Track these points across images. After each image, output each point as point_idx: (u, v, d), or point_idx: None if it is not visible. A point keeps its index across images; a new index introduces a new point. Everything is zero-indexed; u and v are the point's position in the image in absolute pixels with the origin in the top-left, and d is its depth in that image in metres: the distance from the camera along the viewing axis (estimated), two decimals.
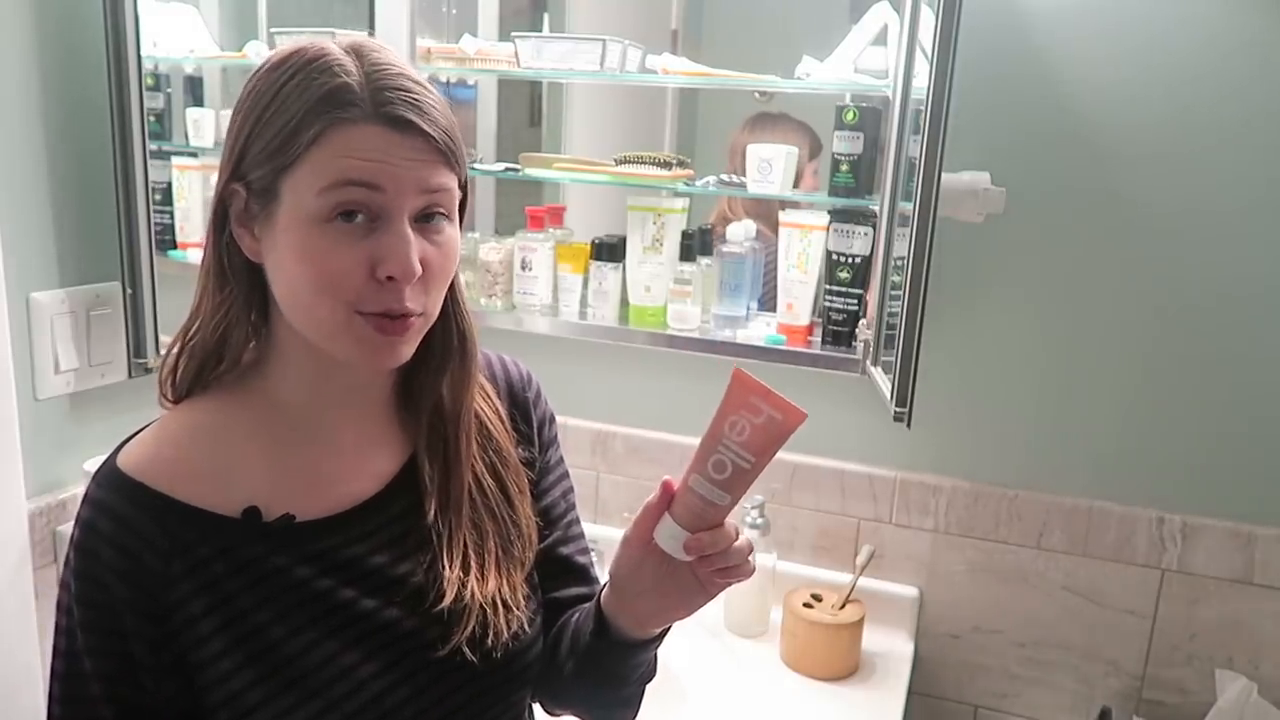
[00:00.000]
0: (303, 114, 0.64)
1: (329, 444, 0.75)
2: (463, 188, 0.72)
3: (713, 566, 0.71)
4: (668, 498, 0.71)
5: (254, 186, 0.67)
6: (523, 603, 0.78)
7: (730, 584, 0.72)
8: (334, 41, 0.67)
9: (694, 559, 0.70)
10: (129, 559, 0.67)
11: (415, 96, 0.66)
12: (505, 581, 0.77)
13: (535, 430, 0.87)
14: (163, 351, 0.77)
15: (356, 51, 0.67)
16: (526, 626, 0.77)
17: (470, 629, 0.73)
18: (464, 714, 0.75)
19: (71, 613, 0.68)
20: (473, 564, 0.75)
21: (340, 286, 0.65)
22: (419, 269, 0.66)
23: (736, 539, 0.71)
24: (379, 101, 0.65)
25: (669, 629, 0.80)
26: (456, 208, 0.71)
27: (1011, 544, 1.41)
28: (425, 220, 0.68)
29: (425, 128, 0.65)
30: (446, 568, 0.74)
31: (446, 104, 0.69)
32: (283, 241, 0.66)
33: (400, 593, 0.73)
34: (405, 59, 0.69)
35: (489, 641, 0.74)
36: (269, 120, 0.65)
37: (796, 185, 1.42)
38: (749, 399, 0.67)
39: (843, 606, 1.37)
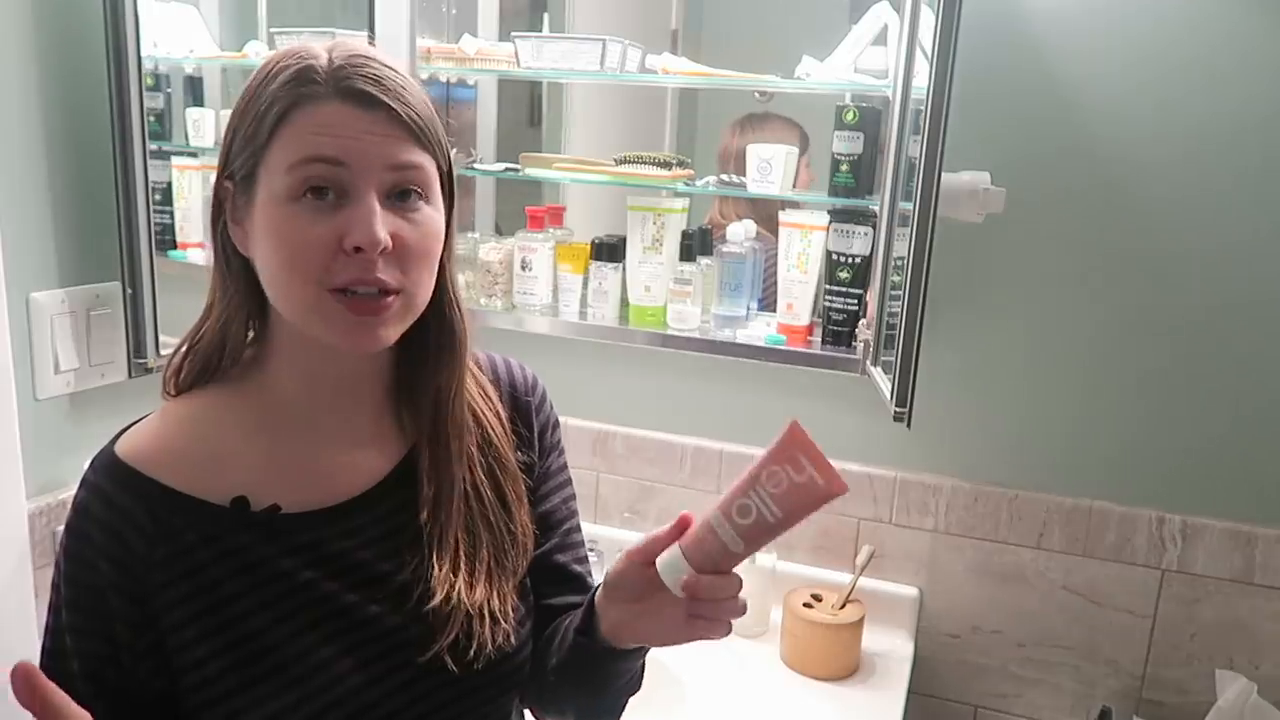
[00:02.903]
0: (270, 99, 0.66)
1: (323, 438, 0.75)
2: (443, 168, 0.72)
3: (700, 612, 0.69)
4: (678, 531, 0.69)
5: (238, 178, 0.69)
6: (510, 614, 0.77)
7: (706, 638, 0.71)
8: (319, 39, 0.69)
9: (687, 597, 0.68)
10: (116, 541, 0.68)
11: (377, 73, 0.67)
12: (495, 592, 0.76)
13: (536, 435, 0.86)
14: (164, 352, 0.77)
15: (332, 45, 0.69)
16: (512, 638, 0.77)
17: (454, 636, 0.73)
18: (441, 716, 0.75)
19: (60, 590, 0.70)
20: (462, 567, 0.75)
21: (309, 262, 0.66)
22: (384, 239, 0.66)
23: (737, 595, 0.69)
24: (339, 78, 0.66)
25: (647, 650, 0.79)
26: (436, 189, 0.71)
27: (1011, 544, 1.41)
28: (400, 199, 0.68)
29: (388, 102, 0.66)
30: (436, 566, 0.74)
31: (423, 90, 0.70)
32: (258, 225, 0.68)
33: (383, 590, 0.73)
34: (383, 52, 0.70)
35: (471, 652, 0.73)
36: (247, 112, 0.68)
37: (793, 184, 1.42)
38: (796, 454, 0.64)
39: (843, 606, 1.37)
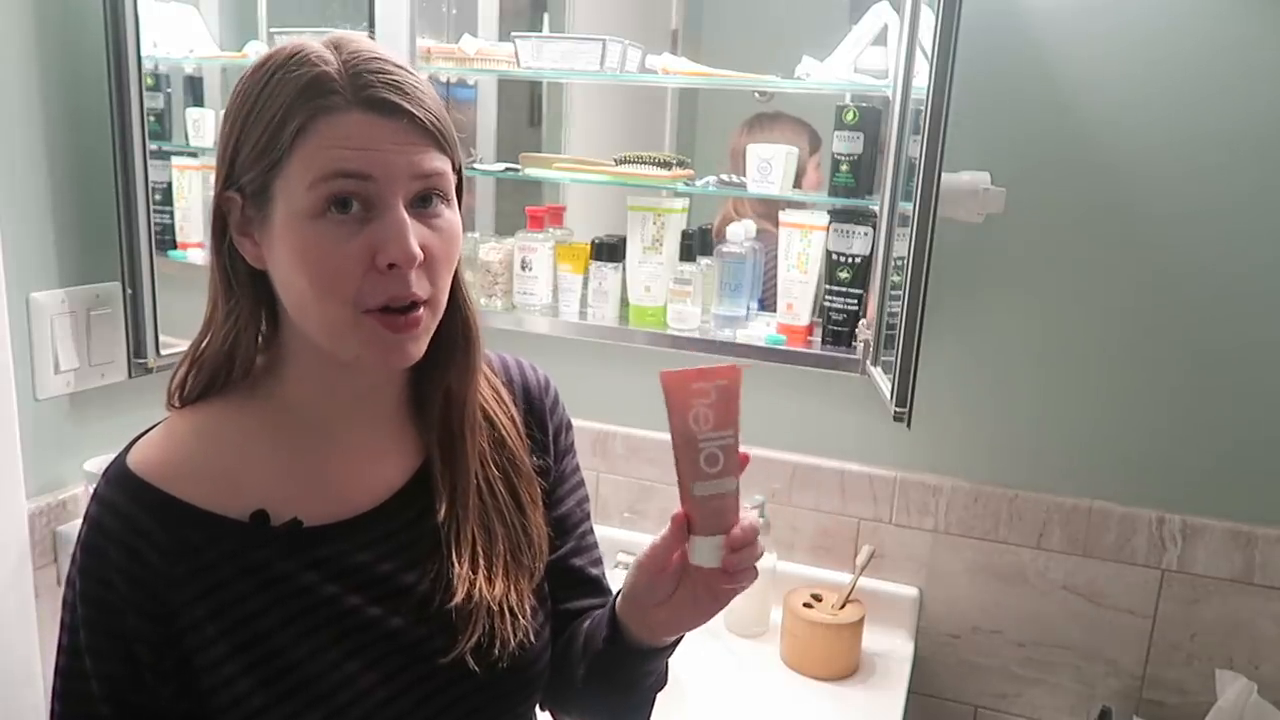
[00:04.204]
0: (284, 109, 0.63)
1: (340, 449, 0.74)
2: (457, 171, 0.70)
3: (736, 565, 0.69)
4: (680, 529, 0.70)
5: (248, 191, 0.66)
6: (529, 613, 0.76)
7: (742, 588, 0.71)
8: (316, 38, 0.67)
9: (725, 561, 0.69)
10: (133, 559, 0.66)
11: (396, 78, 0.65)
12: (513, 588, 0.76)
13: (551, 438, 0.85)
14: (164, 351, 0.76)
15: (335, 44, 0.66)
16: (532, 637, 0.76)
17: (475, 637, 0.72)
18: None
19: (75, 610, 0.68)
20: (480, 564, 0.74)
21: (342, 283, 0.64)
22: (419, 253, 0.64)
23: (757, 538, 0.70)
24: (359, 86, 0.64)
25: (682, 637, 0.79)
26: (453, 192, 0.70)
27: (1011, 544, 1.41)
28: (422, 205, 0.67)
29: (410, 109, 0.64)
30: (455, 564, 0.73)
31: (431, 87, 0.68)
32: (280, 243, 0.65)
33: (406, 602, 0.73)
34: (387, 49, 0.68)
35: (494, 651, 0.73)
36: (253, 121, 0.65)
37: (799, 183, 1.42)
38: (690, 388, 0.66)
39: (843, 606, 1.37)
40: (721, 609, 0.73)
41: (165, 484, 0.68)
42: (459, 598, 0.72)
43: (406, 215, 0.65)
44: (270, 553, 0.69)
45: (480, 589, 0.73)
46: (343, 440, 0.74)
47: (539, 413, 0.85)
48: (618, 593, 0.77)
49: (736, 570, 0.69)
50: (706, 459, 0.67)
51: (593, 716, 0.86)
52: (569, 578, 0.85)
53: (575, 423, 0.91)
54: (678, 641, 0.79)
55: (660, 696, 0.85)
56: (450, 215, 0.69)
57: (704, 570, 0.69)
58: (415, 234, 0.65)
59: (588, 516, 0.89)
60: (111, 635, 0.67)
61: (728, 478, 0.68)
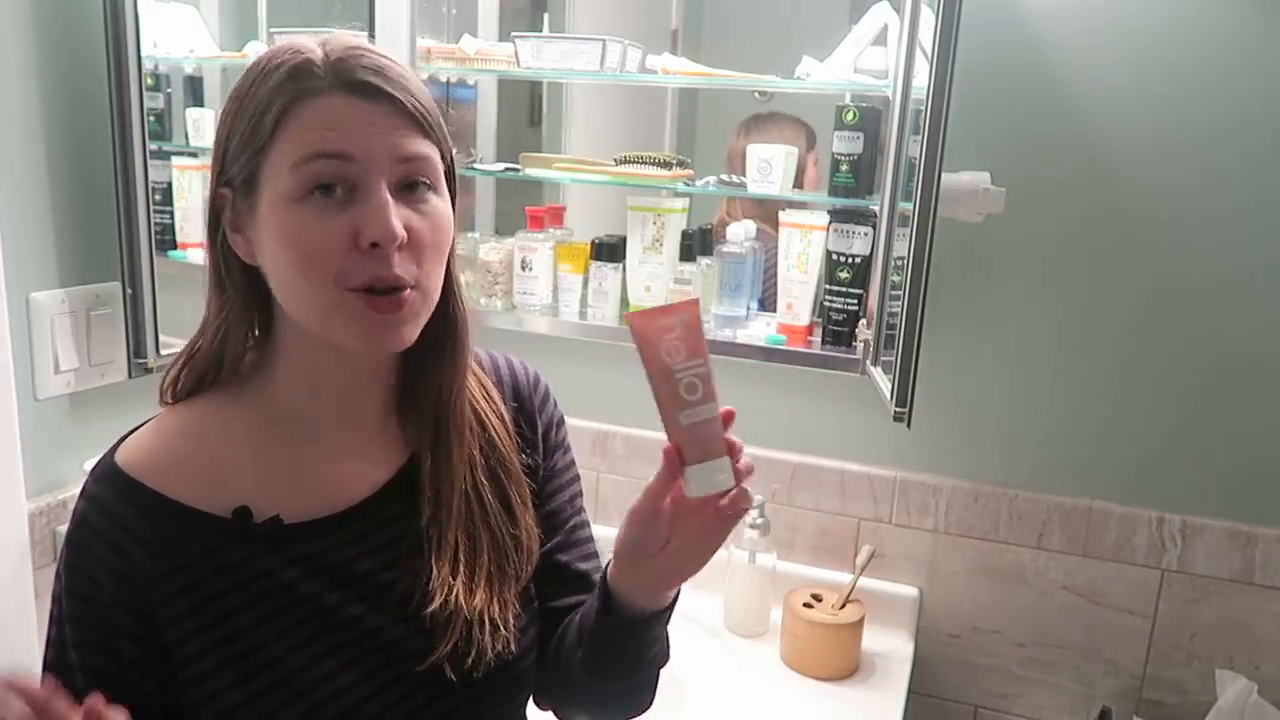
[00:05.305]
0: (268, 97, 0.65)
1: (325, 446, 0.74)
2: (447, 160, 0.70)
3: (736, 504, 0.68)
4: (673, 463, 0.68)
5: (237, 183, 0.67)
6: (511, 621, 0.75)
7: (740, 514, 0.69)
8: (311, 38, 0.68)
9: (715, 498, 0.67)
10: (119, 555, 0.68)
11: (377, 63, 0.66)
12: (495, 598, 0.75)
13: (541, 435, 0.85)
14: (164, 352, 0.77)
15: (325, 39, 0.67)
16: (513, 645, 0.75)
17: (452, 644, 0.72)
18: None
19: (62, 604, 0.69)
20: (462, 571, 0.74)
21: (325, 262, 0.64)
22: (400, 232, 0.64)
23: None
24: (339, 70, 0.65)
25: (676, 600, 0.77)
26: (442, 179, 0.70)
27: (1011, 544, 1.41)
28: (408, 190, 0.67)
29: (391, 91, 0.65)
30: (435, 570, 0.73)
31: (419, 78, 0.69)
32: (265, 228, 0.66)
33: (387, 600, 0.72)
34: (379, 46, 0.69)
35: (469, 660, 0.72)
36: (241, 114, 0.66)
37: (799, 182, 1.42)
38: (657, 324, 0.68)
39: (843, 606, 1.37)
40: (719, 547, 0.70)
41: (151, 481, 0.70)
42: (436, 603, 0.72)
43: (389, 196, 0.65)
44: (252, 549, 0.70)
45: (459, 596, 0.72)
46: (329, 438, 0.75)
47: (528, 410, 0.85)
48: (607, 564, 0.76)
49: (734, 500, 0.68)
50: (686, 387, 0.68)
51: (598, 705, 0.83)
52: (556, 573, 0.84)
53: (575, 423, 0.91)
54: (674, 603, 0.77)
55: (660, 696, 0.85)
56: (438, 202, 0.69)
57: (698, 502, 0.69)
58: (399, 216, 0.65)
59: (580, 512, 0.88)
60: (97, 630, 0.68)
61: (709, 403, 0.69)
